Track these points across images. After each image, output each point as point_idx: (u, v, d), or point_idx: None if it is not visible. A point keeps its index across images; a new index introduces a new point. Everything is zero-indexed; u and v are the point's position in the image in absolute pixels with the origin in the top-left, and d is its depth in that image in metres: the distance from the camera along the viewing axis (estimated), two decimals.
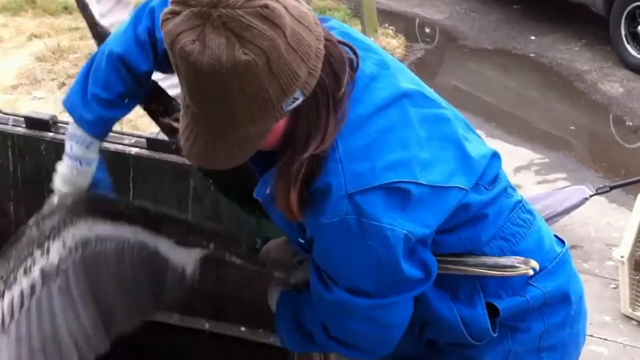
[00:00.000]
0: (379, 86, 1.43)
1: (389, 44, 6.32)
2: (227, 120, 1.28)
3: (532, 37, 6.72)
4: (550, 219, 3.99)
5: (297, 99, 1.30)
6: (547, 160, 4.98)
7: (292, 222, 1.47)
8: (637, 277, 3.43)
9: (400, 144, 1.40)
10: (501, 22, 7.04)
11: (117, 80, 1.66)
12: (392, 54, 5.92)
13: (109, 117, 1.72)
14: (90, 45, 6.05)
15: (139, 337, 2.36)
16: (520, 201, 1.60)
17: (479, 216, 1.52)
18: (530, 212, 1.62)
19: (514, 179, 4.67)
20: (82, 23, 7.00)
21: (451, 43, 6.79)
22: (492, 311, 1.57)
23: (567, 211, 4.07)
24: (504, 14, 7.18)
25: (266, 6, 1.22)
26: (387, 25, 6.74)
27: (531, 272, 1.53)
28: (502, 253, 1.55)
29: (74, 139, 1.74)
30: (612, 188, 4.15)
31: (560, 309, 1.63)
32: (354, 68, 1.40)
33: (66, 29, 6.44)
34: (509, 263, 1.52)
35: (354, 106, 1.39)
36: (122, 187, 2.24)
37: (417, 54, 6.53)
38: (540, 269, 1.58)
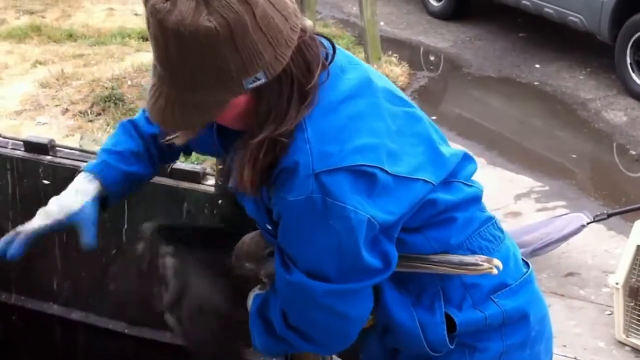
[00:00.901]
0: (352, 77, 1.53)
1: (392, 71, 6.47)
2: (187, 83, 1.37)
3: (537, 65, 6.86)
4: (548, 246, 4.11)
5: (259, 79, 1.38)
6: (547, 188, 5.09)
7: (260, 208, 1.57)
8: (632, 304, 3.51)
9: (370, 132, 1.48)
10: (506, 50, 7.20)
11: (126, 139, 1.86)
12: (394, 82, 6.08)
13: (115, 165, 1.88)
14: (94, 72, 6.24)
15: (129, 356, 2.51)
16: (492, 218, 1.67)
17: (447, 218, 1.59)
18: (501, 230, 1.69)
19: (514, 207, 4.80)
20: (86, 50, 7.21)
21: (455, 71, 6.94)
22: (451, 326, 1.63)
23: (565, 238, 4.18)
24: (509, 42, 7.33)
25: None
26: (390, 53, 6.90)
27: (495, 271, 1.58)
28: None
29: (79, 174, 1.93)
30: (609, 215, 4.25)
31: (520, 329, 1.67)
32: (328, 59, 1.50)
33: (70, 56, 6.63)
34: (473, 261, 1.58)
35: (327, 92, 1.49)
36: (117, 210, 2.38)
37: (420, 81, 6.68)
38: (504, 286, 1.65)
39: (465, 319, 1.63)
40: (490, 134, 5.79)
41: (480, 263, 1.58)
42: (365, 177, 1.45)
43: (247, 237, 1.77)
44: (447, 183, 1.59)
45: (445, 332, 1.62)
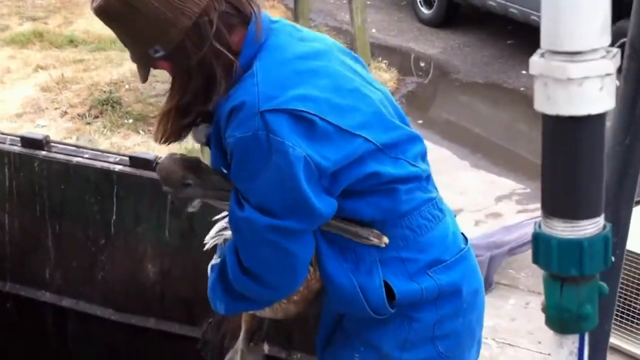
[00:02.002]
0: (312, 45, 1.72)
1: (380, 77, 6.58)
2: (123, 40, 1.69)
3: (523, 72, 6.96)
4: (526, 245, 4.18)
5: (158, 51, 1.64)
6: (528, 190, 5.18)
7: (219, 153, 1.72)
8: None
9: (315, 86, 1.65)
10: (494, 57, 7.30)
11: None
12: None
13: None
14: (93, 76, 6.36)
15: (117, 341, 2.60)
16: (434, 198, 1.79)
17: (390, 189, 1.70)
18: (441, 210, 1.80)
19: (495, 208, 4.89)
20: (86, 55, 7.30)
21: (444, 77, 7.04)
22: (390, 295, 1.74)
23: None
24: (497, 49, 7.44)
25: None
26: (380, 59, 7.01)
27: (382, 245, 1.70)
28: (406, 242, 1.74)
29: None
30: None
31: (452, 301, 1.78)
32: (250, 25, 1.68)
33: (70, 61, 6.75)
34: (365, 235, 1.70)
35: (284, 50, 1.68)
36: (106, 202, 2.49)
37: (408, 87, 6.78)
38: (440, 262, 1.77)
39: (403, 289, 1.74)
40: (475, 138, 5.89)
41: (372, 238, 1.69)
42: (304, 122, 1.61)
43: (167, 163, 1.84)
44: (393, 158, 1.71)
45: (385, 296, 1.73)
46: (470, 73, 7.02)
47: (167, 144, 1.77)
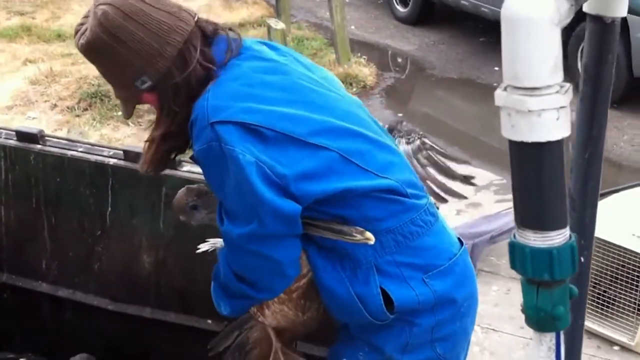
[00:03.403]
0: (264, 63, 1.72)
1: (361, 71, 6.55)
2: (108, 76, 1.71)
3: (496, 68, 6.96)
4: (506, 233, 4.18)
5: (145, 82, 1.65)
6: (505, 181, 5.18)
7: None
8: None
9: (266, 99, 1.65)
10: (467, 53, 7.29)
11: None
12: (363, 82, 6.15)
13: None
14: (81, 70, 6.26)
15: (113, 330, 2.56)
16: (424, 205, 1.75)
17: (374, 198, 1.68)
18: (433, 214, 1.77)
19: (474, 198, 4.88)
20: (74, 50, 7.22)
21: (420, 72, 7.02)
22: (387, 300, 1.72)
23: None
24: (470, 46, 7.43)
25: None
26: (360, 54, 6.97)
27: (368, 242, 1.67)
28: (397, 246, 1.71)
29: None
30: None
31: (449, 308, 1.78)
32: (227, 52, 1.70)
33: (59, 55, 6.64)
34: (349, 232, 1.69)
35: (239, 67, 1.69)
36: (101, 194, 2.43)
37: (387, 81, 6.76)
38: (435, 267, 1.74)
39: (400, 295, 1.72)
40: (452, 132, 5.88)
41: (355, 234, 1.68)
42: (252, 132, 1.62)
43: (177, 195, 1.93)
44: (363, 170, 1.68)
45: (382, 303, 1.72)
46: (445, 69, 7.00)
47: (153, 173, 1.80)
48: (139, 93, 1.69)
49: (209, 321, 2.45)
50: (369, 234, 1.67)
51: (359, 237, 1.68)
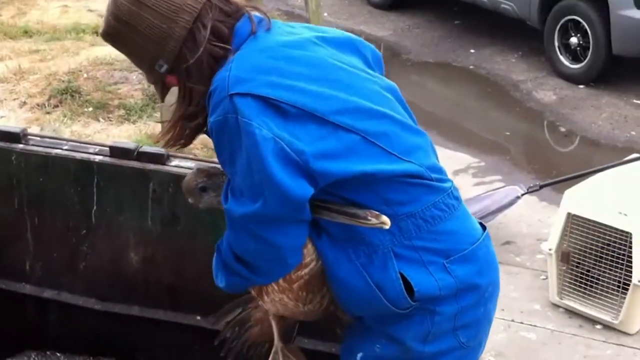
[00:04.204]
0: (291, 37, 1.70)
1: None
2: (135, 63, 1.75)
3: (472, 51, 7.01)
4: (486, 217, 4.24)
5: (162, 65, 1.67)
6: (483, 164, 5.24)
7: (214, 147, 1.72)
8: (564, 268, 3.64)
9: (291, 74, 1.63)
10: (442, 37, 7.33)
11: None
12: None
13: None
14: (50, 66, 6.20)
15: (100, 330, 2.56)
16: (448, 189, 1.71)
17: (395, 182, 1.64)
18: (457, 198, 1.73)
19: (454, 181, 4.93)
20: (42, 46, 7.14)
21: (395, 57, 7.04)
22: (408, 287, 1.68)
23: (502, 209, 4.32)
24: (445, 29, 7.47)
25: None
26: None
27: (384, 226, 1.61)
28: (418, 231, 1.66)
29: None
30: (542, 187, 4.40)
31: (472, 294, 1.73)
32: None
33: (26, 52, 6.57)
34: (363, 215, 1.63)
35: (266, 39, 1.68)
36: (86, 192, 2.43)
37: None
38: (457, 252, 1.69)
39: (420, 280, 1.68)
40: (429, 115, 5.91)
41: (370, 218, 1.62)
42: (272, 107, 1.60)
43: (186, 176, 1.90)
44: (387, 152, 1.64)
45: (403, 288, 1.67)
46: (421, 53, 7.04)
47: (176, 149, 1.80)
48: (162, 76, 1.71)
49: (198, 317, 2.46)
50: (384, 218, 1.62)
51: (374, 220, 1.62)
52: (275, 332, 1.94)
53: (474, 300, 1.73)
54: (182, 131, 1.75)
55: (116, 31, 1.68)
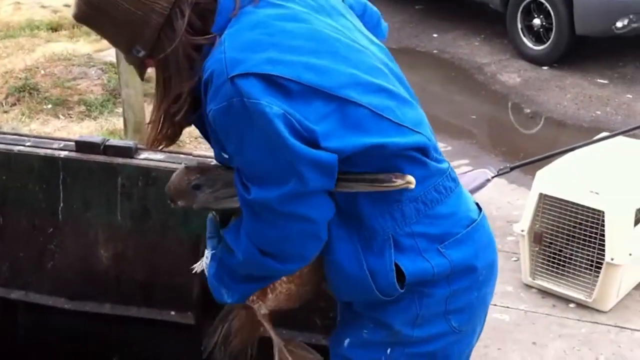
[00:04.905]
0: (284, 10, 1.62)
1: None
2: (111, 43, 1.71)
3: (435, 35, 7.04)
4: None
5: (139, 50, 1.63)
6: (450, 148, 5.26)
7: (214, 138, 1.65)
8: (536, 249, 3.67)
9: (290, 48, 1.56)
10: (404, 22, 7.34)
11: None
12: None
13: None
14: (5, 64, 6.09)
15: (71, 330, 2.53)
16: (447, 169, 1.67)
17: (407, 158, 1.59)
18: (454, 179, 1.69)
19: None
20: None
21: None
22: (400, 276, 1.64)
23: (472, 193, 4.33)
24: (407, 14, 7.48)
25: None
26: None
27: (411, 186, 1.57)
28: (417, 215, 1.63)
29: None
30: (512, 169, 4.39)
31: (467, 276, 1.68)
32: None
33: None
34: (387, 178, 1.57)
35: (255, 14, 1.60)
36: (51, 189, 2.39)
37: None
38: (452, 235, 1.66)
39: (414, 270, 1.65)
40: None
41: (395, 180, 1.57)
42: (276, 86, 1.53)
43: (172, 177, 1.80)
44: (395, 124, 1.59)
45: (395, 281, 1.65)
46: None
47: (161, 148, 1.72)
48: (140, 60, 1.66)
49: (173, 313, 2.43)
50: (410, 177, 1.56)
51: (399, 182, 1.56)
52: (272, 332, 1.89)
53: (467, 284, 1.70)
54: (168, 126, 1.67)
55: (87, 16, 1.63)
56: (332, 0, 1.72)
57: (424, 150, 1.63)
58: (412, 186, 1.58)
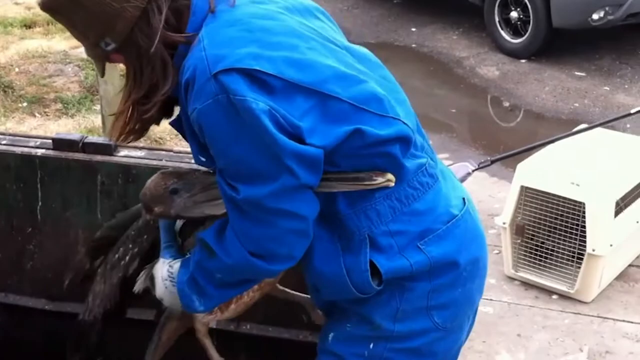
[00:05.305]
0: (263, 6, 1.61)
1: None
2: (73, 34, 1.64)
3: (413, 29, 7.03)
4: None
5: (109, 44, 1.58)
6: (431, 142, 5.22)
7: (193, 140, 1.62)
8: (518, 241, 3.67)
9: (270, 44, 1.54)
10: (382, 16, 7.33)
11: None
12: None
13: None
14: None
15: (51, 331, 2.48)
16: (424, 164, 1.65)
17: (383, 153, 1.58)
18: (432, 175, 1.66)
19: None
20: None
21: None
22: (376, 273, 1.63)
23: None
24: (384, 9, 7.47)
25: None
26: None
27: (391, 183, 1.57)
28: (393, 212, 1.61)
29: None
30: (492, 162, 4.38)
31: (449, 272, 1.66)
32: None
33: None
34: (367, 177, 1.57)
35: (232, 12, 1.58)
36: (29, 188, 2.34)
37: None
38: (431, 231, 1.63)
39: (390, 267, 1.63)
40: None
41: (375, 178, 1.57)
42: (258, 83, 1.51)
43: (147, 183, 1.77)
44: (377, 115, 1.57)
45: (370, 278, 1.63)
46: (362, 34, 7.02)
47: (127, 142, 1.68)
48: (106, 53, 1.61)
49: (155, 311, 2.40)
50: (390, 175, 1.56)
51: (379, 179, 1.55)
52: (212, 351, 1.88)
53: (449, 280, 1.67)
54: (134, 121, 1.64)
55: (57, 4, 1.58)
56: (305, 3, 1.73)
57: (404, 142, 1.61)
58: (392, 184, 1.57)
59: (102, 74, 1.70)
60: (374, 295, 1.67)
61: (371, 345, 1.70)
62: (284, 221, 1.57)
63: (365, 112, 1.58)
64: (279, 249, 1.61)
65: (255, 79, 1.51)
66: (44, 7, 1.60)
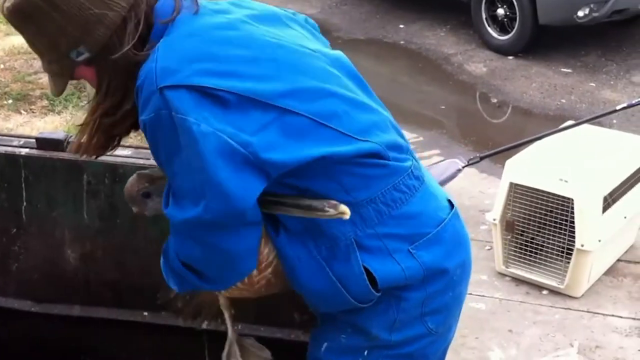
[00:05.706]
0: (221, 17, 1.55)
1: None
2: (38, 45, 1.54)
3: (401, 26, 6.99)
4: None
5: (82, 53, 1.50)
6: (421, 138, 5.23)
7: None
8: (509, 237, 3.66)
9: (226, 58, 1.48)
10: (371, 13, 7.29)
11: None
12: None
13: None
14: None
15: (38, 334, 2.43)
16: (408, 168, 1.60)
17: (353, 165, 1.53)
18: (418, 178, 1.62)
19: None
20: None
21: (325, 35, 6.79)
22: (372, 281, 1.59)
23: (444, 183, 4.28)
24: (373, 5, 7.43)
25: None
26: None
27: (343, 216, 1.51)
28: (380, 217, 1.56)
29: None
30: (482, 158, 4.36)
31: (440, 279, 1.64)
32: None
33: None
34: (320, 206, 1.51)
35: (193, 22, 1.52)
36: (14, 188, 2.28)
37: None
38: (421, 235, 1.60)
39: (384, 271, 1.59)
40: None
41: (327, 209, 1.51)
42: (210, 98, 1.45)
43: (127, 183, 1.77)
44: (340, 133, 1.52)
45: (367, 283, 1.58)
46: (351, 30, 6.98)
47: (93, 156, 1.62)
48: (74, 66, 1.52)
49: (145, 313, 2.35)
50: (343, 207, 1.50)
51: (332, 211, 1.50)
52: (228, 323, 1.84)
53: (442, 285, 1.65)
54: (101, 134, 1.58)
55: (35, 8, 1.47)
56: (275, 10, 1.67)
57: (375, 155, 1.56)
58: (347, 217, 1.51)
59: (61, 92, 1.59)
60: (371, 305, 1.62)
61: (365, 353, 1.67)
62: (203, 250, 1.53)
63: (326, 127, 1.52)
64: (205, 271, 1.58)
65: (206, 94, 1.45)
66: (12, 11, 1.48)
